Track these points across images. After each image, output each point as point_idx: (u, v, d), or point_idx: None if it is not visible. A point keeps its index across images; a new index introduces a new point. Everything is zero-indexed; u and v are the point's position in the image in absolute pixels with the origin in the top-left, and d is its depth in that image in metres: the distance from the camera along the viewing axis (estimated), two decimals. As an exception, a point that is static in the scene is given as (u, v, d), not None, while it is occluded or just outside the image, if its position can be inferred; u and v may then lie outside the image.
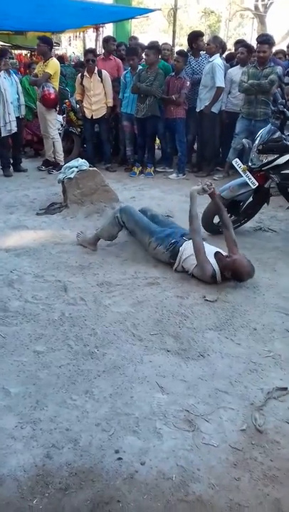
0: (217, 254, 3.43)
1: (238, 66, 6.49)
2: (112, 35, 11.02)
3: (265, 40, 5.86)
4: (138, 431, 2.09)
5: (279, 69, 5.74)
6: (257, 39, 6.20)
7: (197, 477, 1.88)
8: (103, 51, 7.72)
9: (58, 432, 2.08)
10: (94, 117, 6.78)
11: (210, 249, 3.47)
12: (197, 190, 3.55)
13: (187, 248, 3.51)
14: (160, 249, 3.66)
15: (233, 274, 3.36)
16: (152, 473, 1.89)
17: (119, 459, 1.95)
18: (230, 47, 10.32)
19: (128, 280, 3.48)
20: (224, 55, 7.26)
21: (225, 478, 1.88)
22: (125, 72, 6.79)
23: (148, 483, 1.85)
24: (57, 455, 1.96)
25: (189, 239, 3.54)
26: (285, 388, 2.36)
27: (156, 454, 1.98)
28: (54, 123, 6.72)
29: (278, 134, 3.95)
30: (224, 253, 3.46)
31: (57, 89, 6.62)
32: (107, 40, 7.60)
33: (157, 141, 7.37)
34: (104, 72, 6.67)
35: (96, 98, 6.68)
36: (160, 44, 7.46)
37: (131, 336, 2.80)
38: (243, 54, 6.42)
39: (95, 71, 6.59)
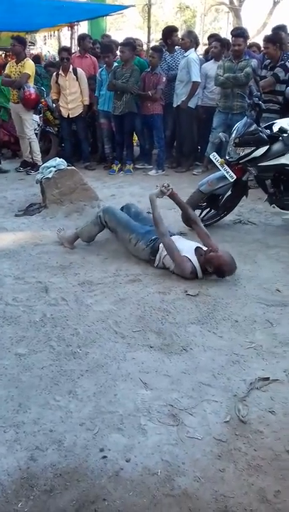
0: (197, 250, 3.44)
1: (213, 60, 6.52)
2: (87, 32, 10.96)
3: (240, 33, 5.90)
4: (122, 428, 2.09)
5: (254, 62, 5.77)
6: (231, 32, 6.25)
7: (182, 471, 1.88)
8: (78, 49, 7.68)
9: (41, 433, 2.06)
10: (70, 116, 6.74)
11: (190, 245, 3.48)
12: (156, 194, 3.59)
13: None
14: (140, 246, 3.66)
15: (215, 270, 3.36)
16: (137, 470, 1.89)
17: (104, 457, 1.94)
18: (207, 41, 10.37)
19: (109, 278, 3.47)
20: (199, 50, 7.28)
21: (210, 470, 1.89)
22: (100, 69, 6.77)
23: (133, 479, 1.85)
24: (41, 457, 1.95)
25: (171, 235, 3.56)
26: (267, 378, 2.38)
27: (141, 450, 1.98)
28: (30, 123, 6.65)
29: (254, 126, 3.97)
30: (204, 247, 3.48)
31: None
32: (82, 38, 7.57)
33: (135, 137, 7.35)
34: (79, 70, 6.63)
35: (72, 97, 6.63)
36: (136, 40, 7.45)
37: (113, 333, 2.79)
38: (216, 48, 6.45)
39: (70, 69, 6.54)
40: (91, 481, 1.85)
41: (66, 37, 13.46)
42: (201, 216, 4.43)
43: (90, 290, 3.29)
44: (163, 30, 7.19)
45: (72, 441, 2.02)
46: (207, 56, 7.00)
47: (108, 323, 2.90)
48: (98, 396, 2.28)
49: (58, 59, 7.84)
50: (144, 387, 2.34)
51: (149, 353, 2.62)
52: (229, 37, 7.04)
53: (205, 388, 2.34)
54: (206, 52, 7.47)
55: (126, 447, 1.99)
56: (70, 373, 2.44)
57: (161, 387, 2.34)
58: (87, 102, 6.76)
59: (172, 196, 3.71)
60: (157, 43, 8.84)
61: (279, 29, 6.03)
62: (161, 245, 3.54)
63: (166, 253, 3.49)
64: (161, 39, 7.51)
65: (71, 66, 6.58)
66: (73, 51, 8.16)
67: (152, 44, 11.82)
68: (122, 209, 4.08)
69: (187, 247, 3.45)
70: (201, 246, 3.50)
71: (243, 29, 6.33)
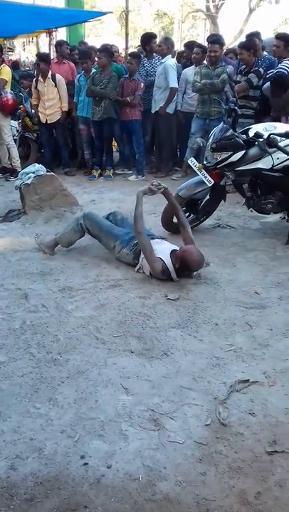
0: (173, 252, 3.47)
1: (193, 66, 6.59)
2: (65, 39, 10.97)
3: (216, 40, 5.99)
4: (103, 434, 2.08)
5: (229, 68, 5.87)
6: (208, 39, 6.33)
7: (164, 475, 1.89)
8: (56, 55, 7.69)
9: (21, 442, 2.04)
10: (48, 122, 6.74)
11: (166, 248, 3.51)
12: (143, 191, 3.58)
13: None
14: (124, 252, 3.66)
15: (181, 264, 3.37)
16: (119, 476, 1.88)
17: (85, 464, 1.93)
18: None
19: (90, 284, 3.46)
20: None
21: (191, 474, 1.90)
22: (79, 75, 6.78)
23: (115, 485, 1.85)
24: (21, 466, 1.93)
25: (153, 238, 3.57)
26: (247, 380, 2.41)
27: (123, 456, 1.97)
28: (8, 129, 6.62)
29: (230, 131, 4.02)
30: None
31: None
32: (60, 44, 7.59)
33: (115, 143, 7.37)
34: (58, 76, 6.63)
35: (50, 103, 6.63)
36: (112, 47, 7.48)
37: (94, 339, 2.78)
38: (198, 54, 6.52)
39: (49, 75, 6.54)
40: (72, 488, 1.83)
41: (45, 43, 13.45)
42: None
43: (71, 296, 3.28)
44: (141, 37, 7.25)
45: (52, 449, 2.01)
46: (180, 62, 7.10)
47: (89, 328, 2.89)
48: (79, 403, 2.27)
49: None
50: (125, 392, 2.34)
51: (130, 358, 2.62)
52: (206, 43, 7.15)
53: (186, 392, 2.34)
54: (178, 58, 7.58)
55: (107, 453, 1.98)
56: (50, 380, 2.42)
57: (142, 392, 2.34)
58: (65, 108, 6.76)
59: (166, 195, 3.71)
60: (135, 50, 8.91)
61: (253, 36, 6.14)
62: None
63: (143, 258, 3.50)
64: (139, 45, 7.57)
65: (50, 72, 6.57)
66: (52, 57, 8.16)
67: (130, 50, 11.87)
68: (107, 217, 4.06)
69: (163, 249, 3.48)
70: (177, 249, 3.52)
71: (219, 36, 6.44)
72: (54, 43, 11.58)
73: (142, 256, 3.53)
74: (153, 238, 3.66)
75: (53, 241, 3.97)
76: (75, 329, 2.88)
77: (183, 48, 8.14)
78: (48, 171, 5.14)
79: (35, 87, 6.68)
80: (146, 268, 3.51)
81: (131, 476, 1.88)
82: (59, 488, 1.83)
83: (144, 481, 1.86)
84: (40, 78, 6.61)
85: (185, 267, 3.40)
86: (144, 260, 3.52)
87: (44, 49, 12.89)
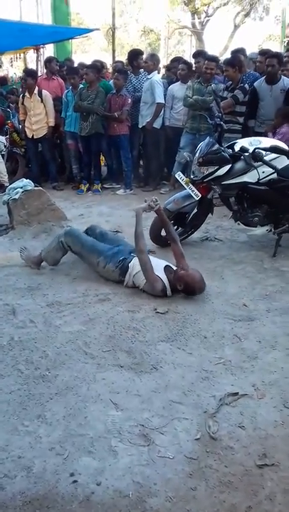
0: (167, 268, 3.47)
1: (179, 82, 6.70)
2: (53, 55, 11.07)
3: (213, 57, 6.17)
4: (93, 451, 2.06)
5: (219, 85, 5.95)
6: (206, 56, 6.43)
7: (154, 491, 1.87)
8: (45, 71, 7.76)
9: (10, 460, 2.01)
10: (35, 137, 6.78)
11: (159, 264, 3.51)
12: (143, 208, 3.57)
13: (136, 264, 3.50)
14: (110, 268, 3.62)
15: (185, 288, 3.39)
16: (109, 493, 1.86)
17: (75, 481, 1.91)
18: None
19: (79, 298, 3.45)
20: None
21: (181, 489, 1.88)
22: (66, 91, 6.86)
23: (105, 503, 1.83)
24: (9, 485, 1.90)
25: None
26: (237, 393, 2.41)
27: (112, 472, 1.95)
28: (-5, 144, 6.64)
29: (217, 146, 4.09)
30: (173, 267, 3.51)
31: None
32: (49, 61, 7.69)
33: (103, 157, 7.42)
34: (44, 92, 6.71)
35: (36, 118, 6.69)
36: (101, 63, 7.61)
37: (83, 354, 2.77)
38: (184, 71, 6.63)
39: (35, 91, 6.59)
40: (61, 506, 1.81)
41: (32, 59, 13.55)
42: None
43: (59, 311, 3.27)
44: (128, 53, 7.37)
45: (41, 466, 1.98)
46: (166, 76, 7.26)
47: (78, 344, 2.87)
48: (68, 419, 2.25)
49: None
50: (114, 407, 2.33)
51: (119, 372, 2.60)
52: (192, 59, 7.30)
53: (175, 406, 2.34)
54: (167, 71, 7.74)
55: (97, 470, 1.96)
56: (38, 397, 2.40)
57: (131, 407, 2.33)
58: (51, 124, 6.82)
59: (158, 212, 3.73)
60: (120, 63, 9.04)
61: (238, 52, 6.27)
62: (130, 264, 3.53)
63: (136, 271, 3.49)
64: (127, 59, 7.68)
65: (36, 88, 6.63)
66: (40, 74, 8.24)
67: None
68: (86, 231, 4.05)
69: (157, 265, 3.48)
70: (170, 265, 3.54)
71: (214, 55, 6.56)
72: (41, 59, 11.72)
73: (131, 271, 3.53)
74: (126, 260, 3.62)
75: (38, 258, 3.94)
76: (63, 344, 2.87)
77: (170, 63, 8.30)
78: (36, 186, 5.15)
79: (22, 103, 6.73)
80: (138, 283, 3.51)
81: (121, 492, 1.86)
82: (48, 507, 1.81)
83: (134, 498, 1.84)
84: (26, 94, 6.66)
85: (188, 291, 3.41)
86: (133, 277, 3.51)
87: (32, 65, 12.97)
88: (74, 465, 1.99)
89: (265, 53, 5.99)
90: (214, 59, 6.15)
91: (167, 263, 3.56)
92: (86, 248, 3.73)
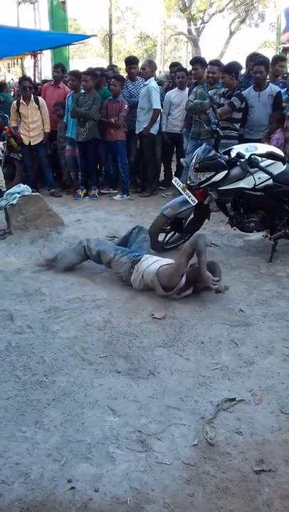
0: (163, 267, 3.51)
1: (176, 89, 6.74)
2: (50, 61, 11.11)
3: (215, 62, 6.26)
4: (90, 457, 2.06)
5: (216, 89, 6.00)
6: (191, 62, 6.55)
7: (152, 498, 1.87)
8: (52, 77, 7.77)
9: (7, 467, 2.01)
10: (32, 144, 6.79)
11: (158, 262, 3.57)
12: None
13: (148, 260, 3.59)
14: (122, 260, 3.69)
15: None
16: (106, 499, 1.86)
17: (72, 488, 1.91)
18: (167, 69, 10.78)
19: (76, 304, 3.45)
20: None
21: (179, 495, 1.89)
22: (68, 95, 6.89)
23: (102, 509, 1.82)
24: (7, 491, 1.90)
25: (139, 255, 3.67)
26: (234, 399, 2.42)
27: (110, 478, 1.96)
28: (-8, 150, 6.65)
29: (213, 152, 4.11)
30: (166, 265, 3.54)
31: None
32: (55, 67, 7.69)
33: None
34: (40, 99, 6.75)
35: (34, 125, 6.70)
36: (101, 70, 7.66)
37: (80, 360, 2.77)
38: (183, 78, 6.68)
39: (32, 98, 6.62)
40: (59, 513, 1.81)
41: (30, 65, 13.60)
42: (166, 239, 4.52)
43: (56, 316, 3.27)
44: (125, 60, 7.40)
45: (39, 473, 1.98)
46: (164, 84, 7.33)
47: (75, 349, 2.87)
48: (65, 425, 2.25)
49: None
50: (112, 413, 2.33)
51: (116, 378, 2.61)
52: (189, 65, 7.35)
53: (173, 412, 2.34)
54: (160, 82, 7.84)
55: (94, 477, 1.96)
56: (36, 403, 2.39)
57: (129, 413, 2.33)
58: (48, 130, 6.84)
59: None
60: (120, 71, 9.11)
61: (213, 64, 6.32)
62: (143, 258, 3.62)
63: (146, 266, 3.53)
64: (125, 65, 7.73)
65: (32, 95, 6.66)
66: (38, 80, 8.26)
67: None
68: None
69: (155, 261, 3.57)
70: (163, 264, 3.56)
71: (202, 59, 6.61)
72: (39, 64, 11.76)
73: (140, 266, 3.58)
74: (139, 254, 3.69)
75: (54, 255, 4.09)
76: (61, 350, 2.87)
77: (166, 69, 8.40)
78: (33, 191, 5.16)
79: (17, 110, 6.74)
80: (146, 276, 3.53)
81: (119, 499, 1.86)
82: (46, 514, 1.81)
83: (132, 504, 1.84)
84: (22, 101, 6.68)
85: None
86: (146, 271, 3.53)
87: (29, 71, 13.03)
88: (71, 471, 1.99)
89: (252, 59, 6.11)
90: (217, 63, 6.20)
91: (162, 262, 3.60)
92: (106, 246, 3.87)
